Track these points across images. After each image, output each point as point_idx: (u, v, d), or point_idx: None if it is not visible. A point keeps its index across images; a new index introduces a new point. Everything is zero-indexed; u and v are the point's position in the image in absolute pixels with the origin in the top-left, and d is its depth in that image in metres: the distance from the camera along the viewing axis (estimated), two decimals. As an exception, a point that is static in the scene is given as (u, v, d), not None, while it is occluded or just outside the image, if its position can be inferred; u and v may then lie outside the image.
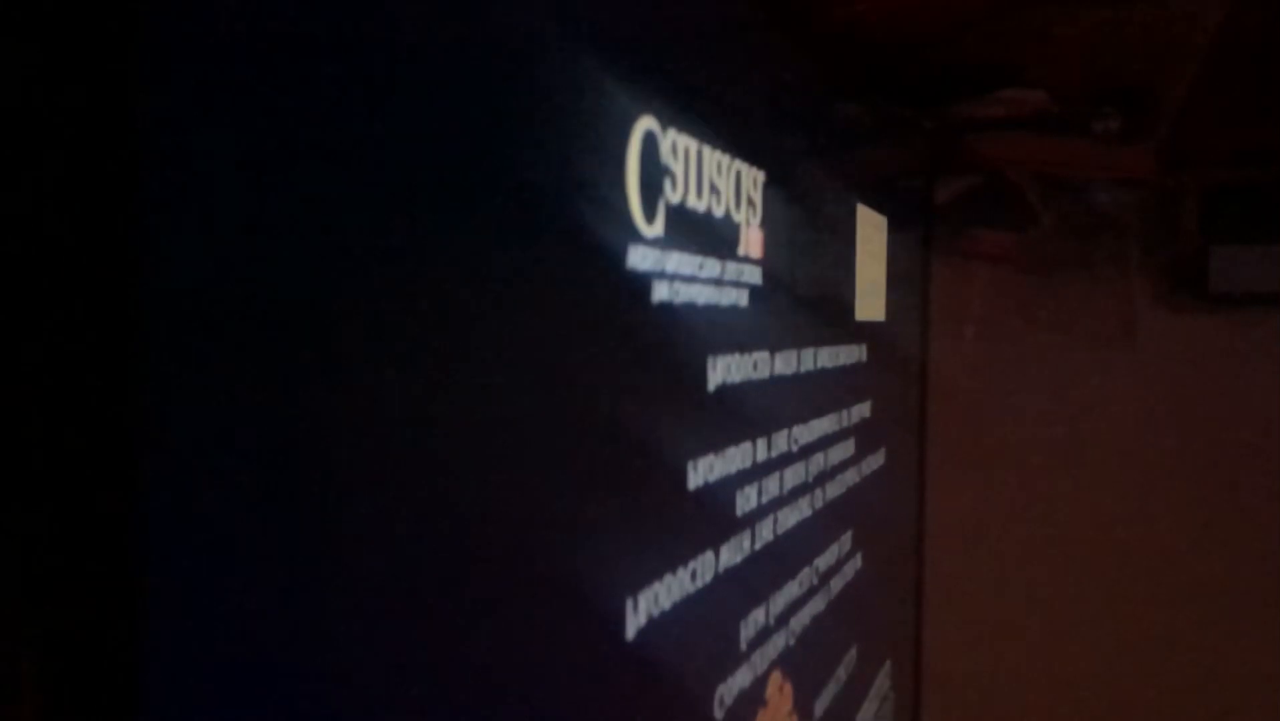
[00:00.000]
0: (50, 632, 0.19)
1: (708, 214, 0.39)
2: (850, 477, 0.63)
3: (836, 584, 0.59)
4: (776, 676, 0.49)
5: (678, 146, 0.37)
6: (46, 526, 0.19)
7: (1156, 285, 0.86)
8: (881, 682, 0.74)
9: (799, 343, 0.51)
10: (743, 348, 0.43)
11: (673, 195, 0.36)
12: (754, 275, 0.44)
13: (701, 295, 0.39)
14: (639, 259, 0.34)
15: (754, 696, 0.46)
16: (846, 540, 0.62)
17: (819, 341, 0.55)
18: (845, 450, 0.61)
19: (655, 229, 0.35)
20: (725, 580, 0.42)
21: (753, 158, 0.44)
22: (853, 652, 0.65)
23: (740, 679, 0.44)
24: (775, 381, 0.48)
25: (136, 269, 0.18)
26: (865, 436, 0.67)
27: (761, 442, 0.46)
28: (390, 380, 0.24)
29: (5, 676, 0.19)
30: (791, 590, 0.51)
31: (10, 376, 0.19)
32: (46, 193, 0.18)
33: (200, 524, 0.19)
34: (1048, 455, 0.87)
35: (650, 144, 0.35)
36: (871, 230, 0.67)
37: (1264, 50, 0.68)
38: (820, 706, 0.57)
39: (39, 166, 0.18)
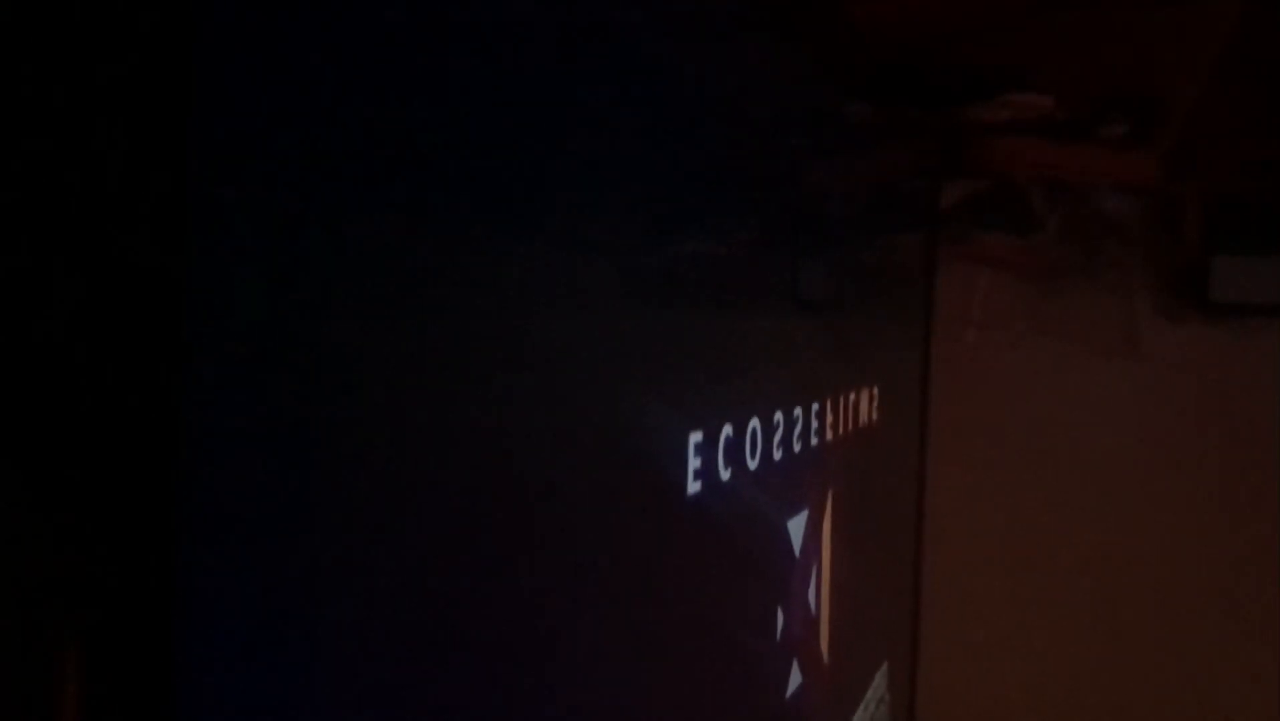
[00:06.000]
0: (91, 627, 0.19)
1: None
2: (855, 480, 0.63)
3: (838, 585, 0.59)
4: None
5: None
6: (91, 528, 0.18)
7: (1158, 293, 0.86)
8: (879, 684, 0.74)
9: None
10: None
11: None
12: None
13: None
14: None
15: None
16: (849, 543, 0.62)
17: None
18: (852, 454, 0.61)
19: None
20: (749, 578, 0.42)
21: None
22: (853, 653, 0.65)
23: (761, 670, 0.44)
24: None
25: (185, 287, 0.18)
26: (870, 440, 0.66)
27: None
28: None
29: (45, 669, 0.19)
30: (801, 592, 0.51)
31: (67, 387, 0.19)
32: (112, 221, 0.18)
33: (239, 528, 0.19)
34: (1048, 459, 0.87)
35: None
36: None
37: (1275, 63, 0.68)
38: (823, 704, 0.57)
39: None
